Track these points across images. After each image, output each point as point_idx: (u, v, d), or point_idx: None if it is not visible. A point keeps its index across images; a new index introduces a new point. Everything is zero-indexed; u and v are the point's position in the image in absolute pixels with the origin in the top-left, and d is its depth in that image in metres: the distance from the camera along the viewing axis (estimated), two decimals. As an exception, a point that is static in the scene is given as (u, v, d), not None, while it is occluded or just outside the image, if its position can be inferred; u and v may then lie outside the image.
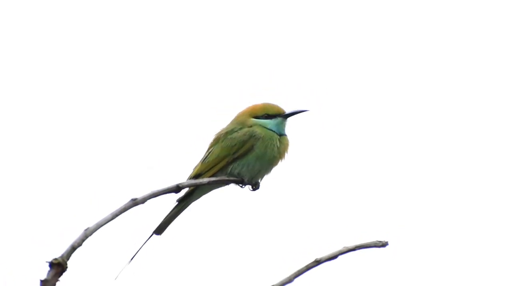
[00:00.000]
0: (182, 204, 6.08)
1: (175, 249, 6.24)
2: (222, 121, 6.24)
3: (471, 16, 8.31)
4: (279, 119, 6.16)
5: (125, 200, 5.43)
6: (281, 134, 6.14)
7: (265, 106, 6.17)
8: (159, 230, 6.05)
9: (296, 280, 5.40)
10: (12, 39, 8.35)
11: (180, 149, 6.52)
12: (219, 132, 6.19)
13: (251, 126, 6.11)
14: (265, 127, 6.12)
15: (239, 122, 6.16)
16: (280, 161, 6.11)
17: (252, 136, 6.07)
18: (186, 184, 5.83)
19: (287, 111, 6.17)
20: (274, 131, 6.12)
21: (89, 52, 8.35)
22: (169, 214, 6.05)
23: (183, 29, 8.39)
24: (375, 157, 7.60)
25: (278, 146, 6.07)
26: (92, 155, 7.73)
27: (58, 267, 5.06)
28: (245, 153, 6.04)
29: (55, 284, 5.03)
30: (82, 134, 7.96)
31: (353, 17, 8.39)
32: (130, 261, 5.89)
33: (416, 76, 8.18)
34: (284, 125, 6.16)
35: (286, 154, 6.13)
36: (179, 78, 8.14)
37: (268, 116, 6.15)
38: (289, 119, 6.17)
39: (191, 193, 6.07)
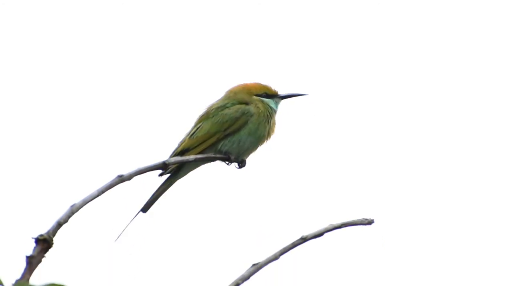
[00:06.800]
0: (169, 181, 6.06)
1: (159, 226, 6.24)
2: (206, 98, 6.23)
3: (469, 16, 8.32)
4: (276, 99, 6.16)
5: (112, 177, 5.42)
6: None
7: (262, 85, 6.16)
8: (145, 208, 6.04)
9: (282, 257, 5.40)
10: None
11: (165, 125, 6.50)
12: (209, 107, 6.15)
13: (252, 103, 6.09)
14: (268, 105, 6.13)
15: (237, 99, 6.11)
16: (267, 140, 6.10)
17: (244, 113, 6.04)
18: (173, 160, 5.81)
19: (282, 93, 6.18)
20: (274, 110, 6.13)
21: (63, 37, 8.35)
22: (155, 192, 6.05)
23: (171, 18, 8.38)
24: (361, 136, 7.62)
25: (270, 125, 6.08)
26: (79, 131, 7.72)
27: (44, 243, 5.04)
28: (237, 129, 6.01)
29: (41, 261, 5.01)
30: (67, 112, 7.95)
31: (351, 11, 8.40)
32: (116, 239, 5.89)
33: (408, 67, 8.22)
34: (278, 106, 6.18)
35: (272, 134, 6.13)
36: (162, 58, 8.13)
37: (267, 95, 6.15)
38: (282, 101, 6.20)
39: (177, 170, 6.05)
